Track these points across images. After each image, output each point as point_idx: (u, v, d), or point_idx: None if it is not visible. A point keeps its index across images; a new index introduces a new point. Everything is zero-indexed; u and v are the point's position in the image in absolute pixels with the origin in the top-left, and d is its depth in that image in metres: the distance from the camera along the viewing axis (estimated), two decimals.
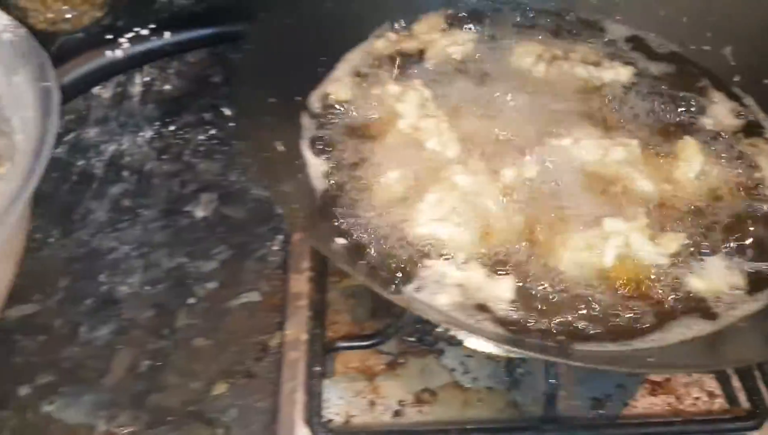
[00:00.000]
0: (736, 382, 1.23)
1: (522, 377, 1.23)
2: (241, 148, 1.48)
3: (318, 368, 1.23)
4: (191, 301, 1.40)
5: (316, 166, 1.33)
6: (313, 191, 1.29)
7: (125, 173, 1.57)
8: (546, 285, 1.17)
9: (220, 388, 1.28)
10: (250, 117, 1.25)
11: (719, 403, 1.21)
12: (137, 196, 1.54)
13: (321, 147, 1.35)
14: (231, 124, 1.60)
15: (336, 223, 1.22)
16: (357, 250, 1.18)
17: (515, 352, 1.12)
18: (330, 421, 1.21)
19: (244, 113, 1.27)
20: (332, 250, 1.14)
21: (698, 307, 1.17)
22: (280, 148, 1.27)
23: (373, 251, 1.18)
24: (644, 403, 1.20)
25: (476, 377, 1.25)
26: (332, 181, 1.30)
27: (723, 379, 1.22)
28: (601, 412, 1.17)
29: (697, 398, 1.23)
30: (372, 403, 1.24)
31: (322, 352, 1.25)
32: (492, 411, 1.18)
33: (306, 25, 1.47)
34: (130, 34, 1.36)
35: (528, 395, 1.19)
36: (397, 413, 1.23)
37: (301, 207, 1.20)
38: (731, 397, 1.23)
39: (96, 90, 1.63)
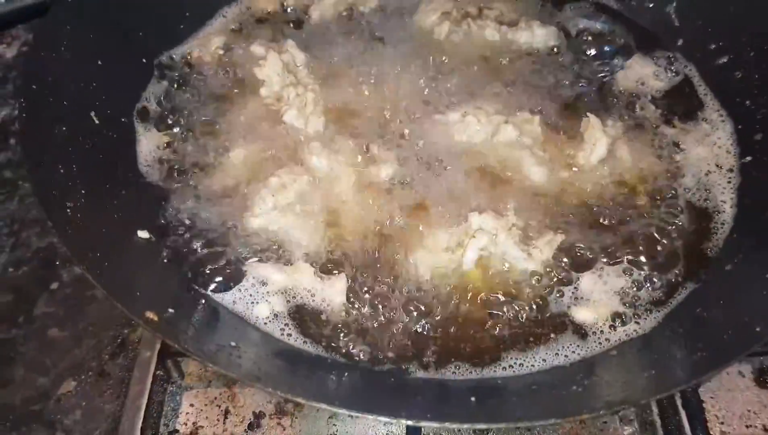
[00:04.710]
0: None
1: None
2: None
3: (160, 372, 1.08)
4: (54, 286, 1.27)
5: (151, 141, 1.14)
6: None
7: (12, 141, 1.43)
8: (393, 297, 0.98)
9: (68, 386, 1.15)
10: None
11: None
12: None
13: (161, 117, 1.17)
14: None
15: (158, 211, 1.05)
16: (158, 245, 1.01)
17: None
18: (175, 431, 1.07)
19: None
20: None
21: (564, 327, 0.97)
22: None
23: (193, 248, 1.01)
24: None
25: None
26: (164, 163, 1.12)
27: None
28: None
29: None
30: (226, 413, 1.08)
31: (168, 354, 1.08)
32: None
33: None
34: None
35: None
36: (251, 426, 1.07)
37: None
38: None
39: None
